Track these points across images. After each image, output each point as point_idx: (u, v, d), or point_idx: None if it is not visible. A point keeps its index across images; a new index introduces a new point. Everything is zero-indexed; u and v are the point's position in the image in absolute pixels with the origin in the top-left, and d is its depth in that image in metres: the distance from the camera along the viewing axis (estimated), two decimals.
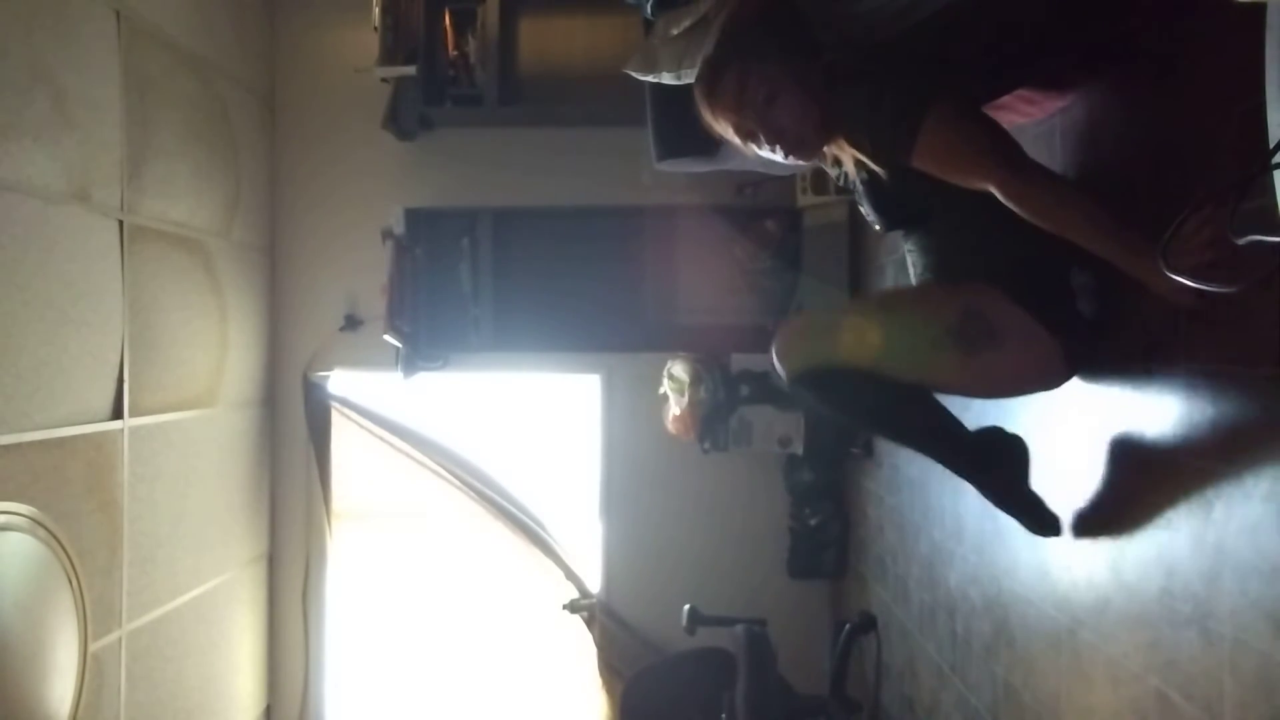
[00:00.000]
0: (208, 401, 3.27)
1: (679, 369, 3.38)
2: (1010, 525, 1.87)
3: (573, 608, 3.68)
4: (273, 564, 3.81)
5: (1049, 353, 1.45)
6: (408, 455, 3.75)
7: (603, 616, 3.67)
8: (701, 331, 3.54)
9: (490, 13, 3.57)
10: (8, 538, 2.23)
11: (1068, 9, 1.47)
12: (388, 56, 3.49)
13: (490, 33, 3.57)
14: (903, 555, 2.68)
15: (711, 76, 1.53)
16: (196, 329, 3.20)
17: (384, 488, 3.81)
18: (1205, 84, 1.22)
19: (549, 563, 3.71)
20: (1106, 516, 1.48)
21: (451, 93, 3.61)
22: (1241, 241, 0.99)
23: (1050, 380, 1.53)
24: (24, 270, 2.32)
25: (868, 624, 2.88)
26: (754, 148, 1.54)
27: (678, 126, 2.70)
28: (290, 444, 3.79)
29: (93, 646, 2.56)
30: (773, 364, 1.54)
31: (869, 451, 3.08)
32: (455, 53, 3.62)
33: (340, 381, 3.79)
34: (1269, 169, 0.93)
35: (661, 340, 3.54)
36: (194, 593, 3.18)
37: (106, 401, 2.69)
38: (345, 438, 3.79)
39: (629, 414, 3.71)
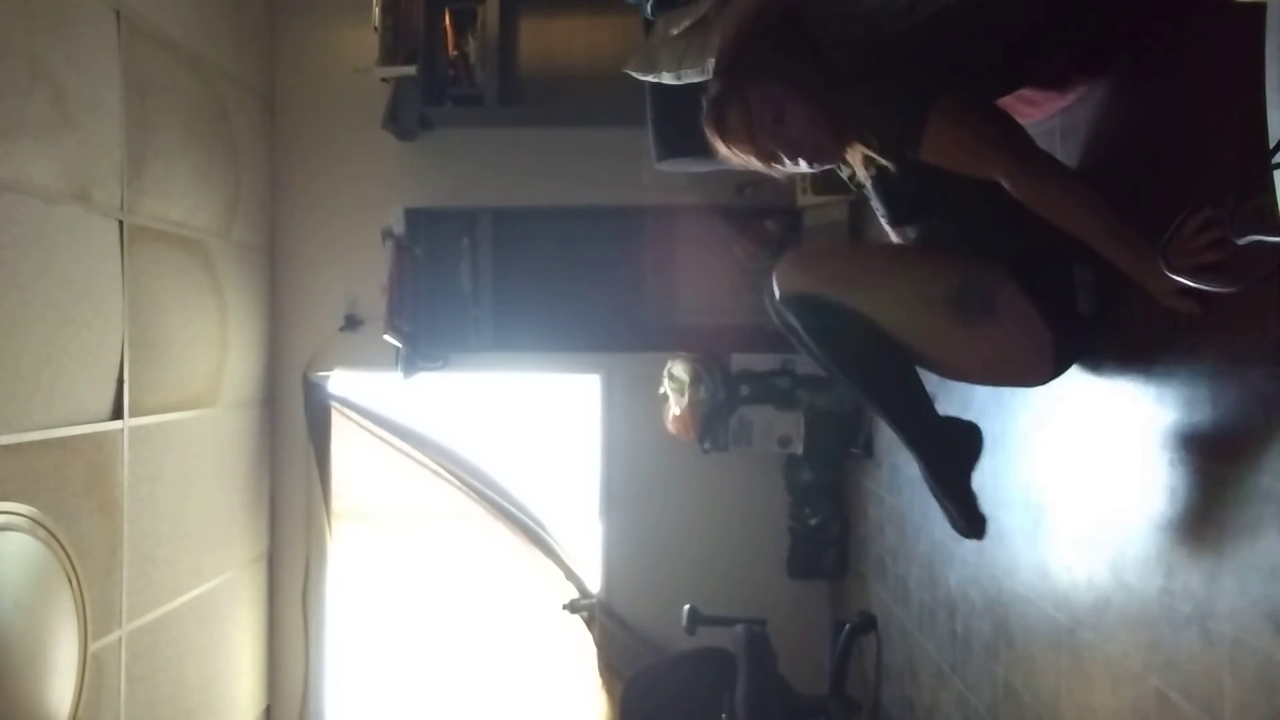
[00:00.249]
0: (208, 401, 3.27)
1: (679, 369, 3.38)
2: (1010, 525, 1.87)
3: (573, 608, 3.68)
4: (273, 564, 3.81)
5: (1040, 344, 1.44)
6: (408, 455, 3.75)
7: (603, 616, 3.67)
8: (701, 331, 3.54)
9: (490, 13, 3.57)
10: (8, 538, 2.23)
11: (1068, 8, 1.47)
12: (388, 56, 3.49)
13: (490, 33, 3.57)
14: (903, 555, 2.68)
15: (717, 115, 1.56)
16: (196, 329, 3.20)
17: (384, 488, 3.81)
18: (1205, 84, 1.22)
19: (549, 563, 3.71)
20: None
21: (451, 93, 3.61)
22: (1241, 241, 0.99)
23: (1033, 374, 1.52)
24: (24, 270, 2.32)
25: (868, 624, 2.88)
26: (780, 168, 1.56)
27: (678, 126, 2.70)
28: (290, 444, 3.79)
29: (93, 646, 2.56)
30: (770, 285, 1.53)
31: (869, 451, 3.08)
32: (455, 53, 3.62)
33: (340, 381, 3.79)
34: (1269, 169, 0.93)
35: (661, 340, 3.54)
36: (194, 593, 3.18)
37: (106, 401, 2.69)
38: (345, 438, 3.79)
39: (629, 414, 3.71)
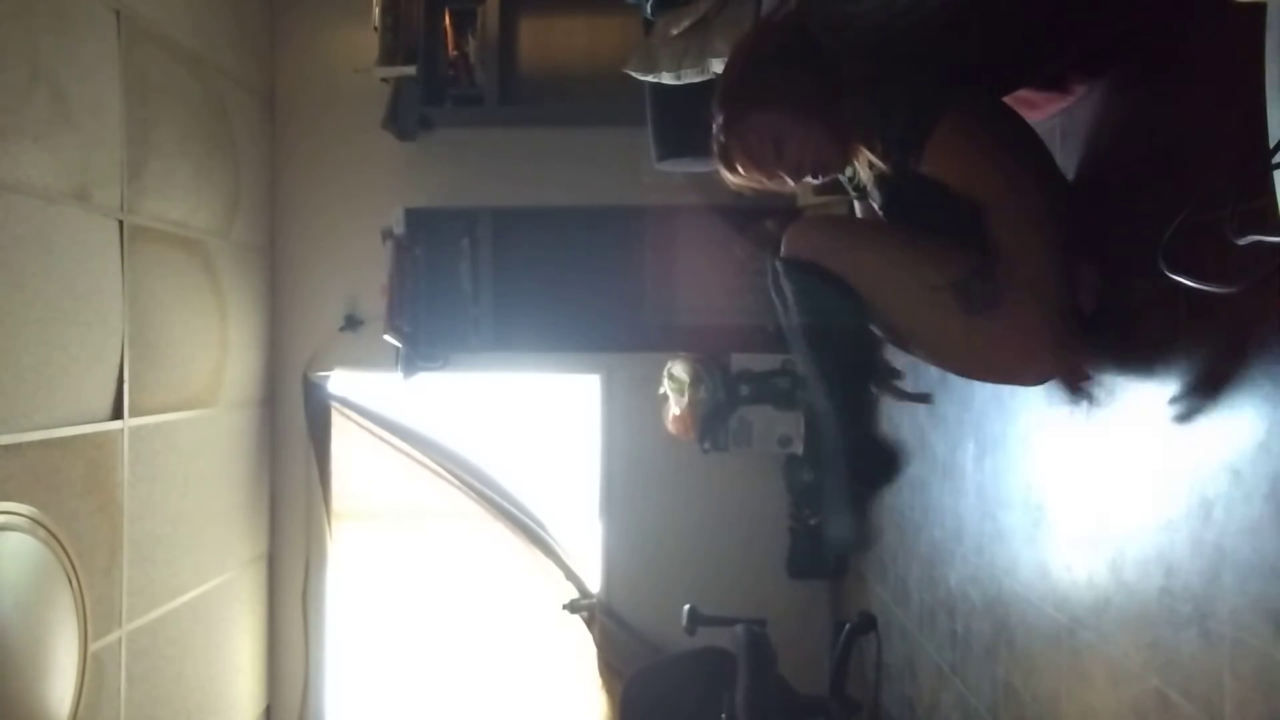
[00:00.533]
0: (208, 401, 3.28)
1: (679, 369, 3.38)
2: (1010, 525, 1.87)
3: (573, 608, 3.68)
4: (273, 564, 3.81)
5: (1041, 340, 1.44)
6: (408, 455, 3.75)
7: (603, 616, 3.67)
8: (701, 331, 3.54)
9: (490, 13, 3.58)
10: (8, 538, 2.23)
11: (1068, 8, 1.47)
12: (388, 56, 3.49)
13: (490, 33, 3.58)
14: (903, 555, 2.68)
15: (723, 154, 1.58)
16: (196, 329, 3.20)
17: (384, 488, 3.81)
18: (1205, 84, 1.22)
19: (549, 563, 3.71)
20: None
21: (451, 93, 3.61)
22: (1242, 242, 0.99)
23: (1031, 371, 1.52)
24: (24, 270, 2.32)
25: (868, 624, 2.88)
26: (794, 185, 1.59)
27: (678, 126, 2.71)
28: (290, 444, 3.80)
29: (93, 646, 2.56)
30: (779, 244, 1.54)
31: None
32: (455, 53, 3.62)
33: (340, 381, 3.79)
34: (1269, 169, 0.93)
35: (661, 340, 3.54)
36: (194, 593, 3.18)
37: (106, 401, 2.69)
38: (345, 438, 3.79)
39: (629, 414, 3.71)
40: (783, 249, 1.52)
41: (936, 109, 1.37)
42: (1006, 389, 1.89)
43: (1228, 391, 1.16)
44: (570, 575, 3.71)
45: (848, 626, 2.88)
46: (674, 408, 3.41)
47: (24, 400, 2.33)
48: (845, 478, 1.54)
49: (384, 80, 3.51)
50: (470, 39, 3.61)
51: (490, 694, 3.83)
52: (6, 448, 2.26)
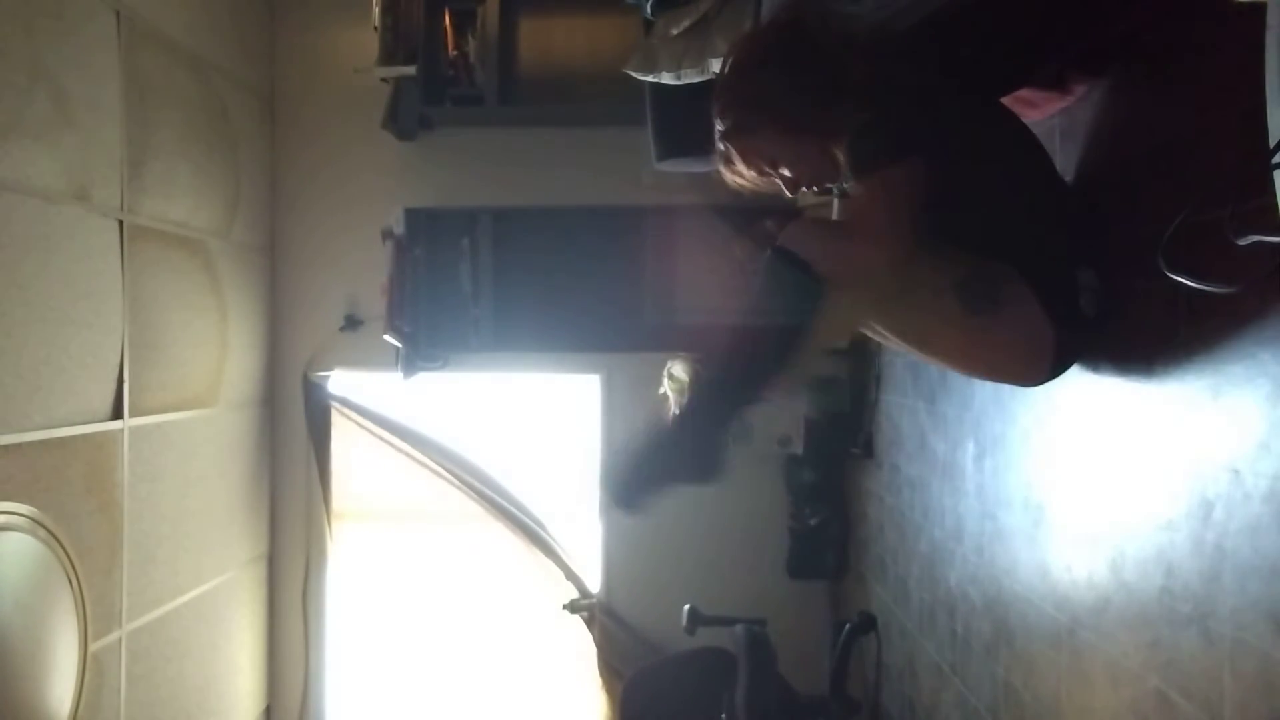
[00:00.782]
0: (208, 401, 3.28)
1: (679, 369, 3.38)
2: (1010, 525, 1.87)
3: (573, 608, 3.68)
4: (273, 564, 3.81)
5: (1042, 343, 1.44)
6: (408, 455, 3.75)
7: (603, 616, 3.67)
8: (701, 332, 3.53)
9: (490, 13, 3.57)
10: (8, 538, 2.23)
11: (1068, 9, 1.47)
12: (388, 56, 3.49)
13: (490, 33, 3.58)
14: (903, 555, 2.68)
15: (724, 159, 1.63)
16: (196, 329, 3.20)
17: (384, 488, 3.81)
18: (1205, 84, 1.22)
19: (549, 563, 3.71)
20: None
21: (451, 93, 3.61)
22: (1242, 242, 0.99)
23: (1031, 372, 1.52)
24: (24, 270, 2.32)
25: (868, 624, 2.88)
26: (791, 195, 1.65)
27: (678, 126, 2.71)
28: (290, 444, 3.80)
29: (93, 646, 2.56)
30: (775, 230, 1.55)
31: (869, 451, 3.08)
32: (455, 53, 3.62)
33: (340, 381, 3.79)
34: (1269, 169, 0.93)
35: (661, 340, 3.54)
36: (194, 593, 3.18)
37: (106, 401, 2.69)
38: (345, 438, 3.79)
39: (629, 414, 3.71)
40: (781, 238, 1.52)
41: (900, 154, 1.38)
42: (1006, 389, 1.89)
43: (1228, 391, 1.16)
44: (570, 575, 3.71)
45: (848, 626, 2.88)
46: (674, 408, 3.41)
47: (24, 400, 2.33)
48: (668, 455, 1.56)
49: (384, 80, 3.51)
50: (470, 39, 3.61)
51: (490, 694, 3.83)
52: (6, 448, 2.26)
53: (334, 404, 3.77)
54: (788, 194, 1.64)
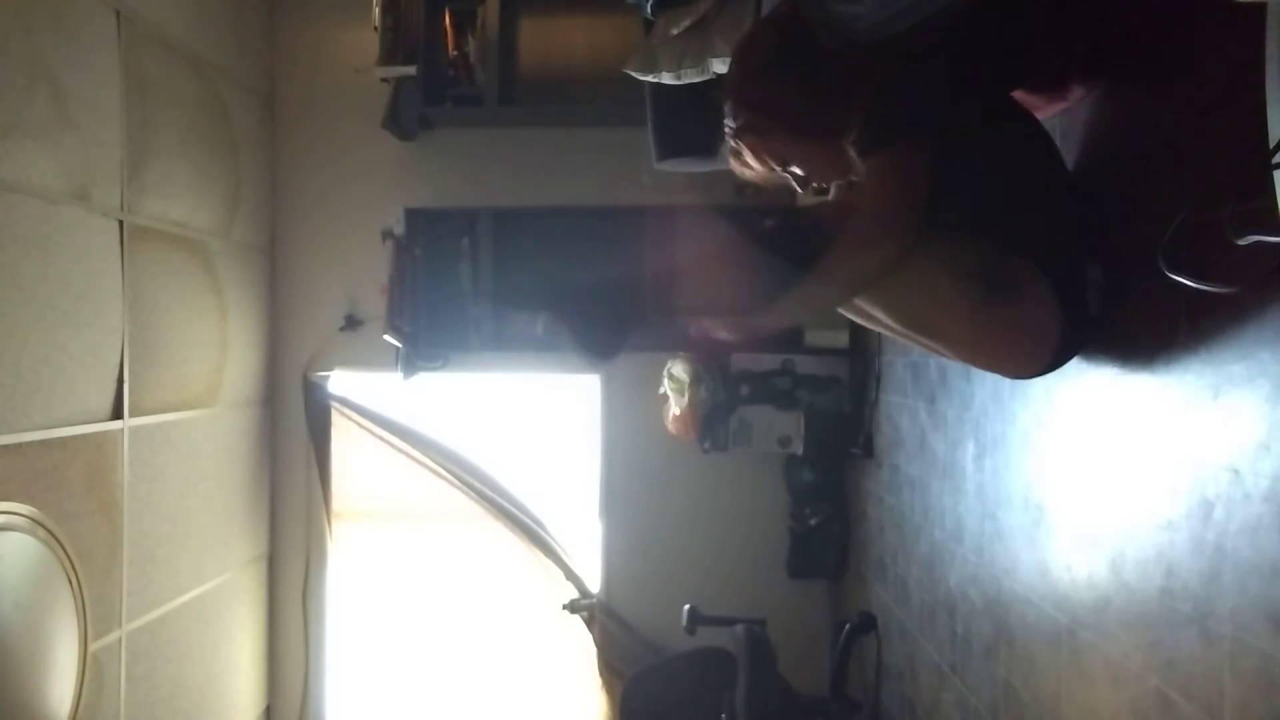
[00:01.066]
0: (208, 401, 3.28)
1: (679, 369, 3.38)
2: (1010, 525, 1.87)
3: (573, 608, 3.68)
4: (273, 564, 3.81)
5: (1048, 335, 1.44)
6: (408, 455, 3.75)
7: (603, 616, 3.67)
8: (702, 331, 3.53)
9: (490, 13, 3.57)
10: (8, 538, 2.23)
11: (1068, 8, 1.47)
12: (388, 56, 3.49)
13: (490, 33, 3.57)
14: (903, 555, 2.68)
15: (735, 155, 1.64)
16: (196, 329, 3.20)
17: (384, 488, 3.81)
18: (1205, 84, 1.22)
19: (549, 563, 3.71)
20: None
21: (451, 93, 3.61)
22: (1242, 242, 0.99)
23: (1030, 364, 1.52)
24: (24, 270, 2.32)
25: (868, 624, 2.88)
26: (803, 192, 1.67)
27: (678, 126, 2.71)
28: (290, 444, 3.80)
29: (93, 646, 2.56)
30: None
31: (869, 451, 3.08)
32: (455, 53, 3.62)
33: (340, 381, 3.79)
34: (1269, 169, 0.93)
35: (661, 340, 3.54)
36: (194, 593, 3.18)
37: (106, 401, 2.69)
38: (345, 438, 3.79)
39: (629, 414, 3.71)
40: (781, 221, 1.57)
41: (909, 131, 1.38)
42: (1007, 388, 1.89)
43: (1228, 391, 1.16)
44: (570, 575, 3.71)
45: (848, 626, 2.88)
46: (674, 408, 3.41)
47: (24, 400, 2.33)
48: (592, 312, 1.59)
49: (384, 80, 3.50)
50: (470, 39, 3.61)
51: (490, 694, 3.83)
52: (6, 448, 2.26)
53: (334, 404, 3.77)
54: (798, 190, 1.66)
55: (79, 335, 2.54)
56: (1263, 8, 0.92)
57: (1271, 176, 0.94)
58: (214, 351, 3.33)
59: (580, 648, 3.71)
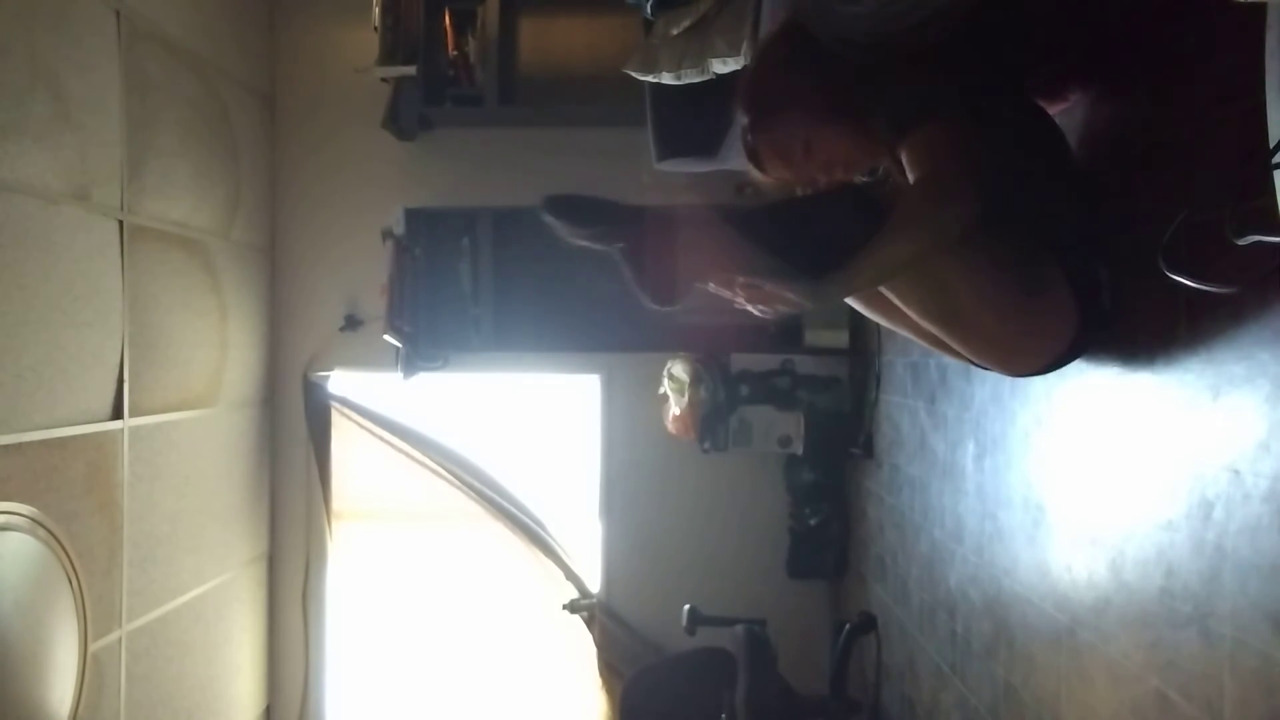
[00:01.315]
0: (208, 401, 3.28)
1: (679, 369, 3.38)
2: (1010, 525, 1.87)
3: (573, 608, 3.68)
4: (273, 564, 3.81)
5: (1063, 332, 1.45)
6: (408, 455, 3.75)
7: (603, 616, 3.67)
8: (701, 331, 3.54)
9: (490, 13, 3.57)
10: (8, 538, 2.23)
11: (1069, 8, 1.47)
12: (388, 56, 3.49)
13: (490, 33, 3.57)
14: (903, 555, 2.68)
15: (755, 159, 1.59)
16: (196, 329, 3.20)
17: (384, 488, 3.81)
18: (1205, 84, 1.22)
19: (549, 563, 3.71)
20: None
21: (451, 93, 3.61)
22: (1242, 242, 0.99)
23: (1037, 362, 1.52)
24: (24, 270, 2.32)
25: (868, 624, 2.87)
26: (825, 182, 1.58)
27: (678, 126, 2.71)
28: (290, 444, 3.79)
29: (93, 646, 2.56)
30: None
31: (869, 451, 3.08)
32: (455, 53, 3.62)
33: (340, 381, 3.79)
34: (1269, 169, 0.93)
35: (661, 340, 3.54)
36: (194, 593, 3.18)
37: (106, 401, 2.69)
38: (345, 438, 3.79)
39: (629, 414, 3.71)
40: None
41: (926, 113, 1.37)
42: (1007, 388, 1.89)
43: (1228, 391, 1.16)
44: (570, 575, 3.71)
45: (848, 626, 2.88)
46: (674, 408, 3.41)
47: (24, 400, 2.33)
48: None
49: (384, 80, 3.50)
50: (470, 39, 3.61)
51: (490, 694, 3.83)
52: (6, 448, 2.26)
53: (334, 404, 3.77)
54: (822, 179, 1.58)
55: (79, 335, 2.54)
56: (1263, 8, 0.92)
57: (1271, 176, 0.93)
58: (214, 351, 3.33)
59: (580, 648, 3.71)
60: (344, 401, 3.77)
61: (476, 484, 3.73)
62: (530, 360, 3.75)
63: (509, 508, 3.72)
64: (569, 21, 3.78)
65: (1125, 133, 1.46)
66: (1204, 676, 1.18)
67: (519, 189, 3.67)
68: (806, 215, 1.55)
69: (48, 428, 2.41)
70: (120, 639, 2.74)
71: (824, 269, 1.38)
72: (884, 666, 2.84)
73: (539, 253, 3.69)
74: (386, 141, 3.61)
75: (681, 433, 3.42)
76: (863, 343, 3.21)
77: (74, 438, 2.52)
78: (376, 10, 3.48)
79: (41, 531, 2.34)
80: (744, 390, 3.37)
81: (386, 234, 3.54)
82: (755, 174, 1.63)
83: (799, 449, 3.38)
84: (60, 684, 2.43)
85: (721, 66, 2.34)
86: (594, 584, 3.74)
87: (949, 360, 2.09)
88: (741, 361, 3.41)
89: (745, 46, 2.24)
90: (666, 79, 2.51)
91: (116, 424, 2.72)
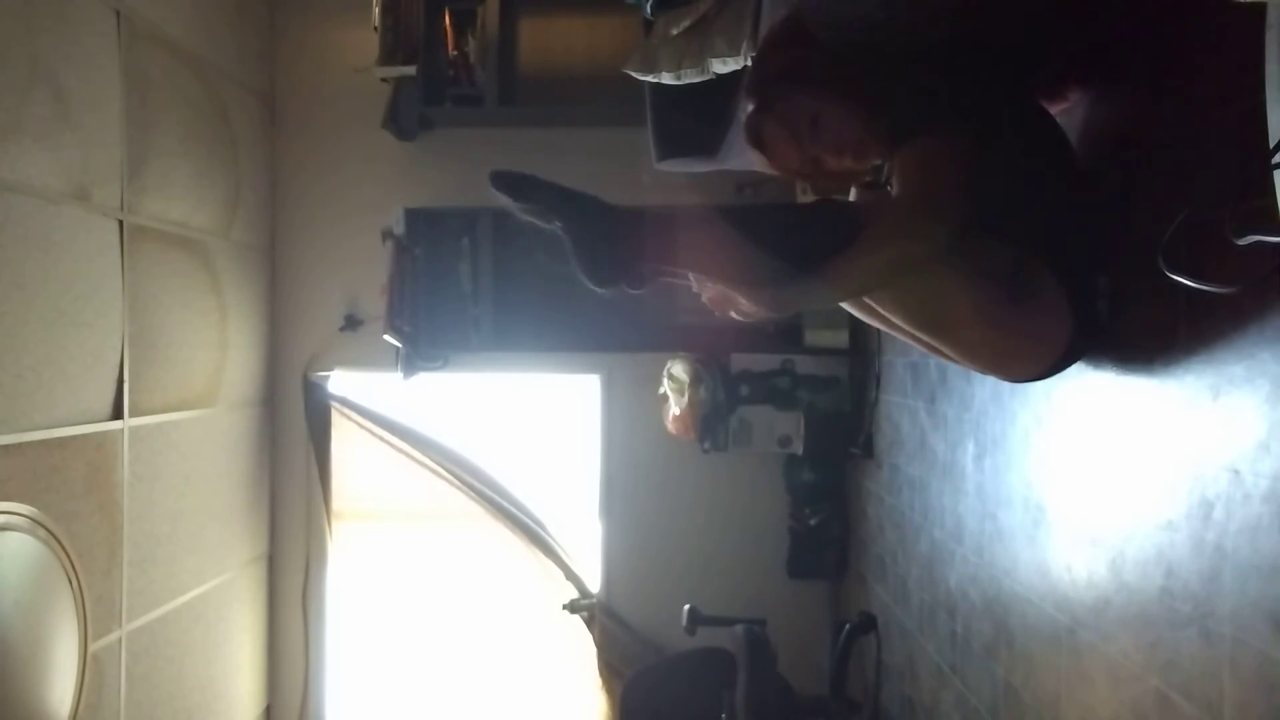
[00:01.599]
0: (208, 401, 3.28)
1: (679, 369, 3.38)
2: (1010, 525, 1.87)
3: (573, 608, 3.68)
4: (273, 564, 3.81)
5: (1057, 341, 1.44)
6: (408, 455, 3.75)
7: (603, 616, 3.67)
8: (701, 331, 3.54)
9: (490, 13, 3.57)
10: (8, 538, 2.23)
11: (1068, 8, 1.47)
12: (388, 56, 3.49)
13: (490, 33, 3.58)
14: (903, 555, 2.68)
15: (754, 134, 1.56)
16: (196, 329, 3.20)
17: (384, 488, 3.81)
18: (1205, 84, 1.22)
19: (549, 563, 3.71)
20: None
21: (451, 93, 3.61)
22: (1242, 242, 0.99)
23: (1032, 369, 1.52)
24: (24, 270, 2.32)
25: (868, 624, 2.88)
26: (832, 169, 1.55)
27: (678, 126, 2.71)
28: (290, 444, 3.80)
29: (93, 646, 2.56)
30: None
31: (869, 451, 3.08)
32: (455, 53, 3.62)
33: (340, 381, 3.79)
34: (1269, 169, 0.93)
35: (661, 340, 3.54)
36: (194, 593, 3.18)
37: (106, 401, 2.69)
38: (345, 438, 3.79)
39: (629, 414, 3.71)
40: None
41: (923, 124, 1.37)
42: (1006, 389, 1.89)
43: (1228, 391, 1.16)
44: (570, 575, 3.71)
45: (848, 626, 2.88)
46: (674, 408, 3.41)
47: (24, 400, 2.33)
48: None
49: (384, 80, 3.50)
50: (470, 39, 3.61)
51: (490, 694, 3.83)
52: (6, 448, 2.26)
53: (334, 404, 3.77)
54: (829, 161, 1.54)
55: (79, 335, 2.54)
56: (1263, 8, 0.92)
57: (1271, 176, 0.93)
58: (214, 351, 3.33)
59: (580, 648, 3.71)
60: (344, 401, 3.77)
61: (476, 484, 3.73)
62: (530, 360, 3.75)
63: (509, 508, 3.72)
64: (569, 21, 3.78)
65: (1125, 132, 1.46)
66: (1204, 676, 1.18)
67: None
68: (773, 218, 1.52)
69: (48, 428, 2.41)
70: (120, 639, 2.74)
71: (791, 272, 1.37)
72: (884, 666, 2.83)
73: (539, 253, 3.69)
74: (386, 141, 3.61)
75: (681, 433, 3.42)
76: (863, 343, 3.21)
77: (74, 438, 2.52)
78: (376, 10, 3.48)
79: (41, 531, 2.34)
80: (744, 390, 3.37)
81: (386, 234, 3.54)
82: (759, 162, 1.60)
83: (799, 449, 3.38)
84: (60, 684, 2.43)
85: (721, 66, 2.33)
86: (594, 584, 3.74)
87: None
88: (741, 361, 3.41)
89: (745, 46, 2.24)
90: (666, 79, 2.51)
91: (116, 424, 2.72)
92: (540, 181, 1.45)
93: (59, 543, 2.40)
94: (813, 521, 3.51)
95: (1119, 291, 1.43)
